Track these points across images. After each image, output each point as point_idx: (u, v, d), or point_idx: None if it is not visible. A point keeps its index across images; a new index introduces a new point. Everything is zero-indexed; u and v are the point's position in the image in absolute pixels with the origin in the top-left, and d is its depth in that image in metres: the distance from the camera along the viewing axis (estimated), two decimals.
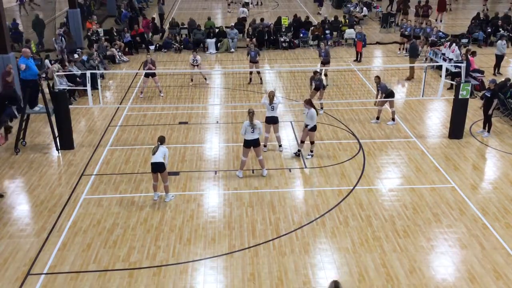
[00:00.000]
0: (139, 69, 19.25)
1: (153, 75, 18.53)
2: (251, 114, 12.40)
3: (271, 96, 13.64)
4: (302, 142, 13.85)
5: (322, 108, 16.97)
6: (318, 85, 16.55)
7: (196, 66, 19.81)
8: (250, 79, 20.20)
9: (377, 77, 15.96)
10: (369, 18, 32.31)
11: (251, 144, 12.57)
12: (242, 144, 12.76)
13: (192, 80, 20.17)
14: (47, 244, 10.36)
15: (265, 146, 14.22)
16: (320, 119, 16.38)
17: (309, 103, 13.36)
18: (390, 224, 10.91)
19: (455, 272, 9.47)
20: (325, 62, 19.83)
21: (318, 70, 17.08)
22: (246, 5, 32.43)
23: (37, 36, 24.55)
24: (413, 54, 20.62)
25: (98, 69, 20.06)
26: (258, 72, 20.13)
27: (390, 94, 15.75)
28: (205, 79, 20.35)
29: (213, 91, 19.54)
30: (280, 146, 14.33)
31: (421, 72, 19.91)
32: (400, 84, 20.00)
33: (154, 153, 11.41)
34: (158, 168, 11.43)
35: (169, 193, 11.90)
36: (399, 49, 24.67)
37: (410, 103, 17.82)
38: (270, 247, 10.19)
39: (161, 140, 11.56)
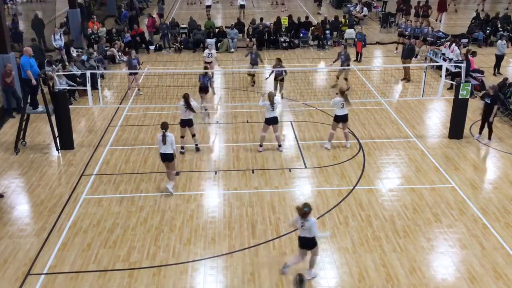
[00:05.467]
0: (138, 69, 19.21)
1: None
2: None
3: (271, 96, 13.63)
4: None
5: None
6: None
7: (209, 64, 19.02)
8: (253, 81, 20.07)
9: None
10: (369, 18, 32.31)
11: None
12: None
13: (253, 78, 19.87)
14: (47, 244, 10.36)
15: (261, 146, 14.22)
16: (320, 119, 16.40)
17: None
18: (390, 224, 10.91)
19: (455, 272, 9.47)
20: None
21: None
22: (242, 7, 32.77)
23: (36, 35, 24.48)
24: (410, 55, 20.52)
25: (98, 69, 20.05)
26: (253, 75, 19.96)
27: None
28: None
29: None
30: (279, 146, 14.33)
31: (421, 73, 19.92)
32: (400, 85, 19.98)
33: (164, 143, 11.57)
34: (168, 157, 11.81)
35: (172, 182, 12.11)
36: (396, 48, 24.69)
37: (410, 103, 17.81)
38: (270, 247, 10.19)
39: (166, 127, 11.66)
